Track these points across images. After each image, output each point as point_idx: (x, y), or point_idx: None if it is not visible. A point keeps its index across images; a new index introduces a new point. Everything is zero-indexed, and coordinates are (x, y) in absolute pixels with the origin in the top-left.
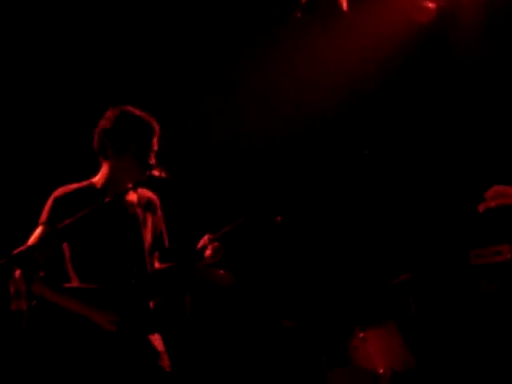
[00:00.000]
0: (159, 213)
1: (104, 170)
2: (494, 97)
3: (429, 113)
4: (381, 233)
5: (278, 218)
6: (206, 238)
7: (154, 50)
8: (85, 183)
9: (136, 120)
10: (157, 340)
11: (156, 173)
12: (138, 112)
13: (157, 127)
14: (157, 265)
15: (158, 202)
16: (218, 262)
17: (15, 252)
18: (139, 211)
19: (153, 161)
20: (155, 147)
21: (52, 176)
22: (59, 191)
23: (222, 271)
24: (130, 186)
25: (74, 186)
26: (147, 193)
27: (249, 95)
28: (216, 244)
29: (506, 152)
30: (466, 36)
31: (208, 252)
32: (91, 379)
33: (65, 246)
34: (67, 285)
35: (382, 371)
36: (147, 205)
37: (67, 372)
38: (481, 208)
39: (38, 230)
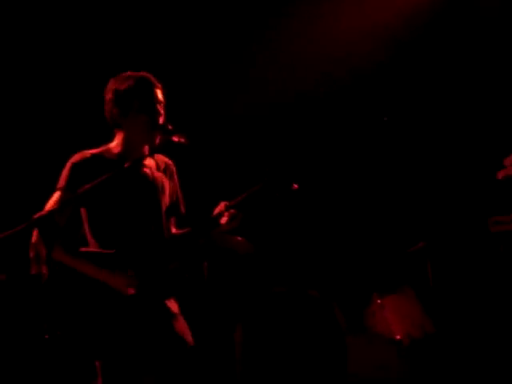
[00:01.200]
0: (176, 178)
1: (119, 137)
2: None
3: (446, 80)
4: (399, 199)
5: (295, 185)
6: (222, 205)
7: (165, 31)
8: (101, 149)
9: (132, 78)
10: (172, 303)
11: (175, 138)
12: (134, 73)
13: (155, 80)
14: (173, 230)
15: (174, 168)
16: (235, 228)
17: (35, 216)
18: (157, 176)
19: (163, 118)
20: (160, 101)
21: (68, 144)
22: (76, 157)
23: (239, 238)
24: (147, 150)
25: (91, 151)
26: (164, 158)
27: (267, 59)
28: (232, 211)
29: None
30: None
31: (224, 219)
32: (108, 342)
33: (82, 210)
34: (84, 249)
35: (399, 337)
36: (164, 170)
37: (85, 335)
38: (500, 175)
39: (56, 195)
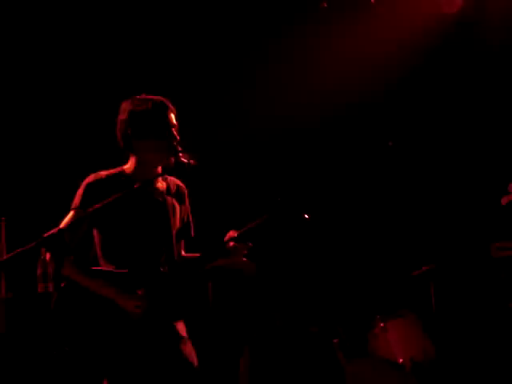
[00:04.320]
0: (187, 201)
1: (132, 160)
2: None
3: (452, 105)
4: (404, 223)
5: (306, 216)
6: (230, 233)
7: (174, 40)
8: (115, 170)
9: (148, 101)
10: (180, 326)
11: (184, 159)
12: (150, 96)
13: (170, 104)
14: (183, 253)
15: (186, 191)
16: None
17: (45, 235)
18: (168, 198)
19: (177, 143)
20: (174, 124)
21: (83, 165)
22: (91, 177)
23: (244, 259)
24: (159, 172)
25: (105, 172)
26: (176, 181)
27: (274, 87)
28: (238, 245)
29: None
30: (491, 28)
31: (232, 247)
32: (115, 362)
33: (95, 231)
34: (96, 268)
35: (401, 361)
36: (176, 193)
37: (93, 353)
38: (504, 201)
39: (70, 215)
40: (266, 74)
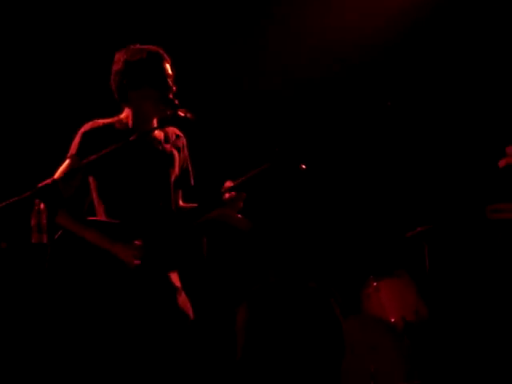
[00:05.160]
0: (186, 151)
1: (128, 111)
2: None
3: (452, 63)
4: (399, 183)
5: (303, 166)
6: (227, 184)
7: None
8: (112, 119)
9: (142, 51)
10: (174, 277)
11: (181, 113)
12: (144, 46)
13: (165, 54)
14: (180, 203)
15: (184, 141)
16: (238, 209)
17: (40, 185)
18: (166, 147)
19: (173, 94)
20: (169, 74)
21: (78, 115)
22: (87, 125)
23: (239, 215)
24: (156, 123)
25: (102, 121)
26: (175, 130)
27: (274, 39)
28: (233, 194)
29: None
30: None
31: (227, 198)
32: (111, 312)
33: (91, 180)
34: (92, 218)
35: (393, 320)
36: (174, 142)
37: (88, 305)
38: (501, 163)
39: (65, 164)
40: (265, 27)
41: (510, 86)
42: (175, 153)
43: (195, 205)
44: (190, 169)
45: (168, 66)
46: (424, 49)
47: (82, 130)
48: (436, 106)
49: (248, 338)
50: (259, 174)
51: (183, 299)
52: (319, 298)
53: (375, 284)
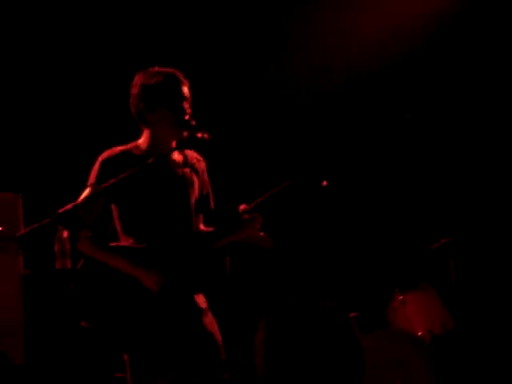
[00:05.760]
0: (206, 174)
1: (146, 134)
2: None
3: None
4: (424, 195)
5: (325, 182)
6: (242, 207)
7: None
8: (130, 146)
9: (159, 74)
10: (200, 298)
11: (199, 134)
12: (162, 68)
13: (182, 77)
14: (201, 227)
15: (204, 164)
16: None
17: (60, 211)
18: (186, 171)
19: (189, 115)
20: (186, 98)
21: (98, 141)
22: (106, 153)
23: (262, 233)
24: (174, 146)
25: (120, 148)
26: (194, 154)
27: (293, 53)
28: (250, 215)
29: None
30: None
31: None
32: (137, 335)
33: (113, 206)
34: (114, 243)
35: (421, 333)
36: (194, 166)
37: (114, 328)
38: None
39: (86, 192)
40: (282, 44)
41: None
42: (194, 176)
43: (213, 228)
44: (211, 192)
45: (185, 89)
46: (444, 60)
47: (101, 158)
48: (456, 114)
49: (267, 356)
50: (281, 192)
51: (210, 320)
52: (337, 317)
53: (401, 297)
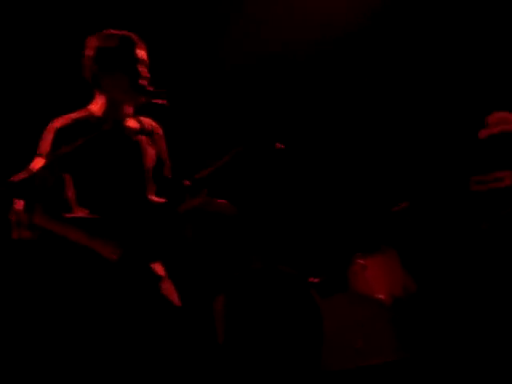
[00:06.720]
0: (163, 142)
1: (100, 99)
2: None
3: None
4: (382, 160)
5: (279, 145)
6: (185, 183)
7: None
8: (83, 112)
9: (116, 36)
10: (158, 266)
11: (156, 100)
12: (117, 31)
13: (138, 40)
14: (153, 197)
15: (161, 131)
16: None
17: (15, 179)
18: (141, 138)
19: (147, 80)
20: (142, 61)
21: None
22: (58, 122)
23: (223, 201)
24: (130, 112)
25: (73, 115)
26: (151, 121)
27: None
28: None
29: None
30: None
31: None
32: (94, 307)
33: (66, 176)
34: (69, 215)
35: (382, 297)
36: (150, 132)
37: (70, 301)
38: (482, 134)
39: (38, 161)
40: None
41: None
42: (151, 144)
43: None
44: (168, 160)
45: (142, 52)
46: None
47: (54, 126)
48: (417, 78)
49: (226, 324)
50: (234, 158)
51: (168, 287)
52: (297, 283)
53: (362, 261)
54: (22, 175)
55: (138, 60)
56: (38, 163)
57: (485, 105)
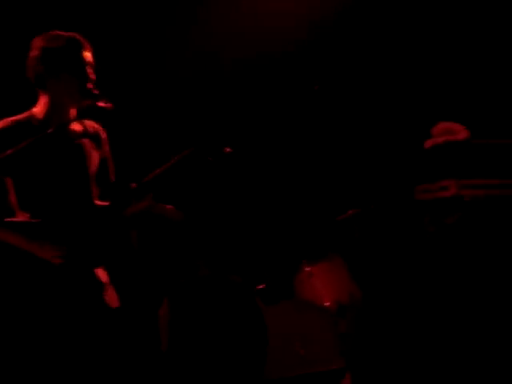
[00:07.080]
0: (107, 146)
1: (44, 101)
2: None
3: (381, 48)
4: (329, 168)
5: (228, 149)
6: (132, 186)
7: None
8: (25, 115)
9: (62, 37)
10: (101, 272)
11: (101, 104)
12: (63, 32)
13: (85, 42)
14: (96, 201)
15: (105, 135)
16: (147, 207)
17: None
18: (85, 142)
19: (92, 84)
20: (89, 64)
21: None
22: None
23: (170, 206)
24: (74, 115)
25: (14, 118)
26: (94, 124)
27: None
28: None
29: None
30: None
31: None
32: (37, 312)
33: (8, 180)
34: (9, 219)
35: (328, 304)
36: (94, 136)
37: (11, 306)
38: (428, 144)
39: None
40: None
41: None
42: (94, 147)
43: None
44: (111, 164)
45: (88, 54)
46: (354, 32)
47: None
48: (363, 89)
49: (170, 332)
50: (182, 162)
51: (110, 294)
52: (241, 291)
53: (308, 269)
54: None
55: (84, 62)
56: None
57: (429, 115)
